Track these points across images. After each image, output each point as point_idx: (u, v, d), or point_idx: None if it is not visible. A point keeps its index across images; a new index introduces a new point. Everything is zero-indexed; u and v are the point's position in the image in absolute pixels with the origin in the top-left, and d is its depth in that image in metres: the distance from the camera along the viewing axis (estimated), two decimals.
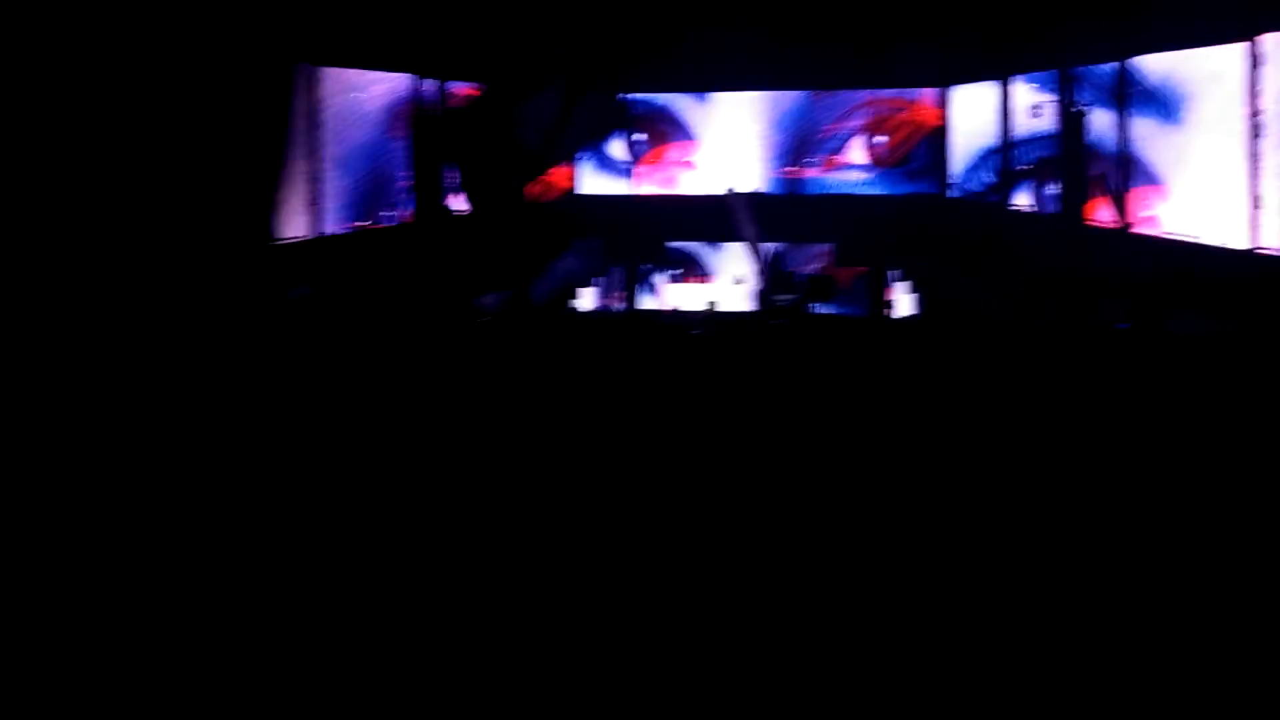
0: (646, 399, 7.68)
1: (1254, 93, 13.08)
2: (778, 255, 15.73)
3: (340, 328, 10.96)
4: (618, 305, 16.70)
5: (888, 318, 15.27)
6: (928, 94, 16.46)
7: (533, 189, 17.24)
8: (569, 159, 16.92)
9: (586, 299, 16.66)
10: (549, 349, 11.39)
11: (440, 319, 13.18)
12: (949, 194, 16.20)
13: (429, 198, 14.79)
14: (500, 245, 15.72)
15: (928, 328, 13.88)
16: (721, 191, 15.52)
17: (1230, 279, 12.50)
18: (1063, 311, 12.45)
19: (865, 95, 16.63)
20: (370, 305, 12.70)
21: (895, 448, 5.93)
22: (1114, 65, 14.22)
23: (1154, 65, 14.04)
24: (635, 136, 17.40)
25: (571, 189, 17.59)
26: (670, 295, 17.02)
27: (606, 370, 9.45)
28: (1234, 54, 13.23)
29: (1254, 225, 13.03)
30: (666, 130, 17.40)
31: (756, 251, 15.08)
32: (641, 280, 17.28)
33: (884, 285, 15.70)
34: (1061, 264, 13.61)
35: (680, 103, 17.32)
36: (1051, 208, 14.85)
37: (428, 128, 14.44)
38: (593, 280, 16.94)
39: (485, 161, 14.21)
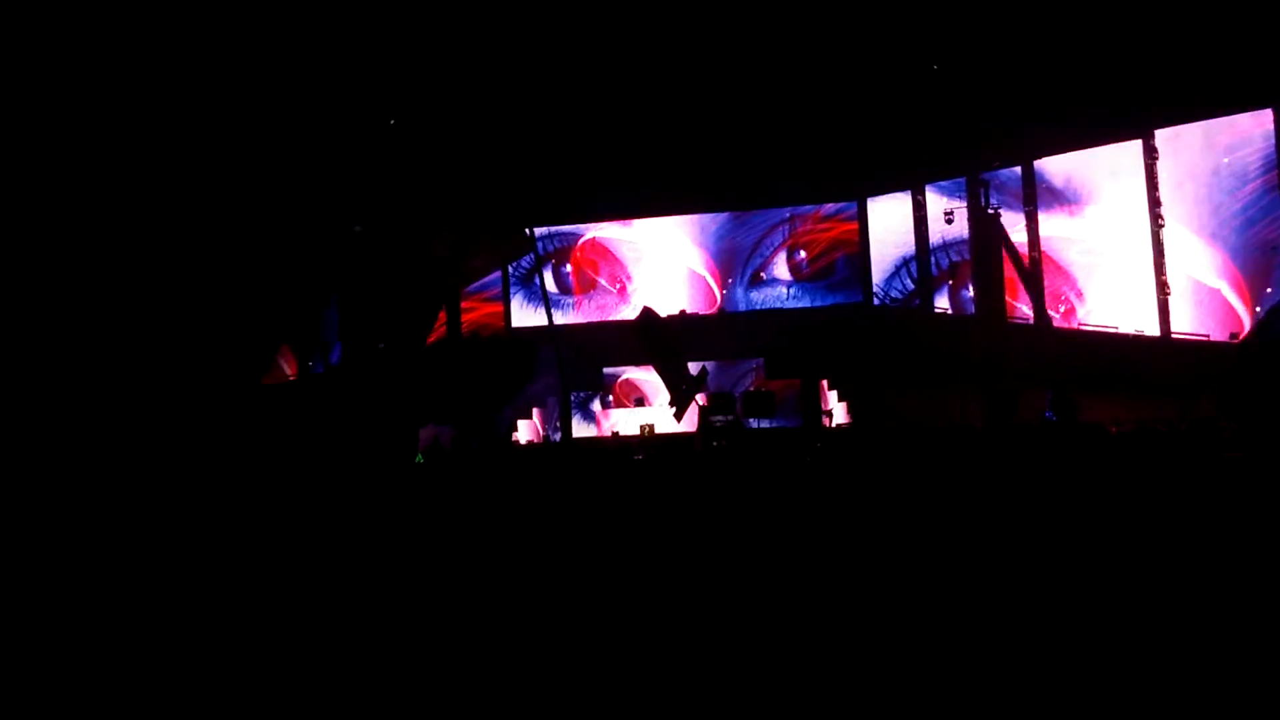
0: (593, 526, 7.54)
1: (1152, 185, 13.57)
2: (708, 374, 15.73)
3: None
4: (555, 434, 16.56)
5: (824, 428, 15.25)
6: (845, 208, 16.85)
7: (456, 326, 17.30)
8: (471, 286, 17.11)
9: (524, 430, 16.51)
10: (490, 482, 11.21)
11: (379, 457, 12.99)
12: (873, 303, 16.44)
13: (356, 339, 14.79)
14: (437, 382, 15.66)
15: (862, 435, 13.88)
16: (648, 313, 15.63)
17: (1147, 364, 12.70)
18: (991, 407, 12.52)
19: (786, 213, 16.99)
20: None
21: (837, 554, 5.85)
22: (1019, 169, 14.71)
23: (1057, 166, 14.54)
24: (564, 268, 17.57)
25: (503, 323, 17.64)
26: (608, 421, 16.92)
27: (549, 500, 9.28)
28: (1132, 150, 13.78)
29: (1163, 312, 13.34)
30: (596, 258, 17.59)
31: (685, 372, 15.09)
32: (579, 408, 17.19)
33: (817, 396, 15.73)
34: (985, 362, 13.75)
35: (608, 230, 17.56)
36: (970, 308, 15.11)
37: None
38: (532, 410, 16.83)
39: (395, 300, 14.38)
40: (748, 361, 16.86)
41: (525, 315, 17.69)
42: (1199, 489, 7.07)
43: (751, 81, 14.21)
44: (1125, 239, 13.66)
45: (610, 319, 17.53)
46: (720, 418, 14.69)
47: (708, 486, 9.81)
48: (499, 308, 17.96)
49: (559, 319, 17.42)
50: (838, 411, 15.38)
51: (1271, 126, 12.35)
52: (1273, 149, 12.36)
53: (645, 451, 12.78)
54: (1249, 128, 12.64)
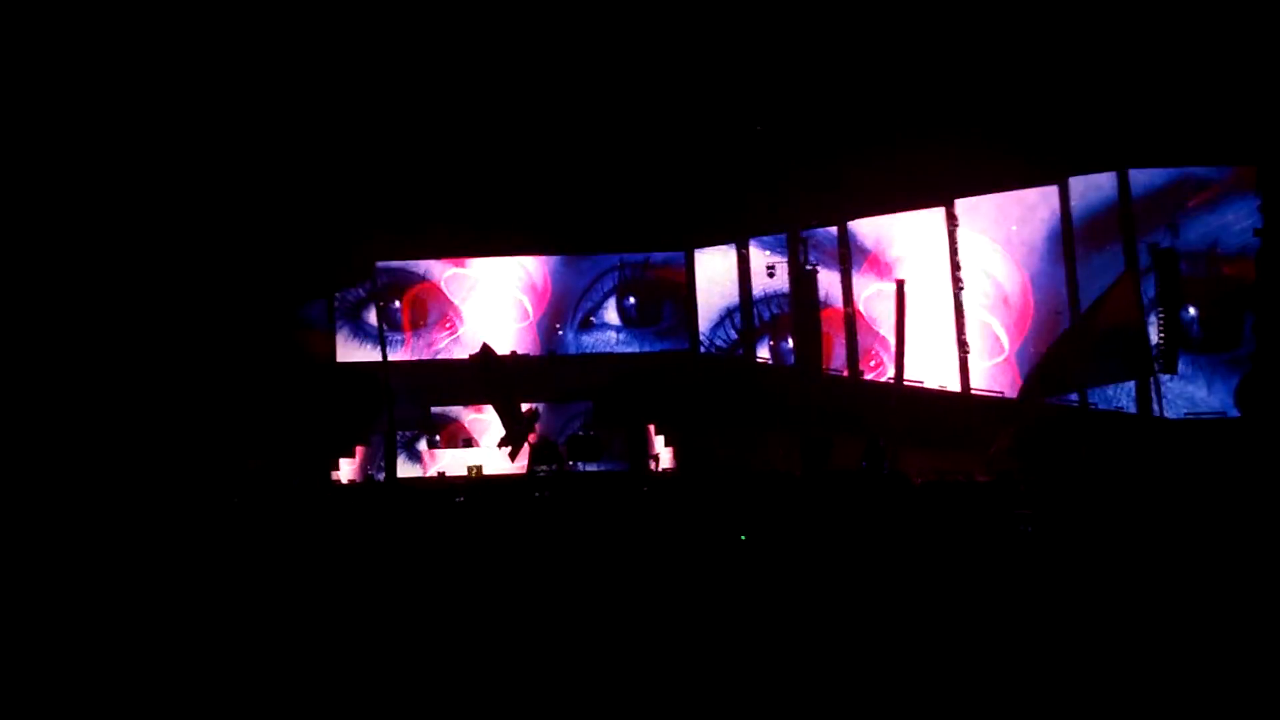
0: (410, 567, 7.54)
1: (953, 250, 14.68)
2: (537, 419, 15.82)
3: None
4: (378, 474, 16.30)
5: (650, 472, 15.63)
6: (674, 257, 17.43)
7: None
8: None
9: (346, 469, 16.20)
10: (308, 521, 10.97)
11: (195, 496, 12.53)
12: (698, 350, 17.04)
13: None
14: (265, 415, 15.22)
15: (688, 480, 14.32)
16: (486, 350, 15.69)
17: (950, 418, 13.69)
18: (806, 454, 13.17)
19: (616, 259, 17.40)
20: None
21: (658, 599, 6.09)
22: (834, 229, 15.63)
23: (868, 229, 15.53)
24: (394, 304, 17.40)
25: (331, 358, 17.25)
26: (434, 461, 16.79)
27: (366, 542, 9.19)
28: (935, 216, 14.88)
29: (963, 369, 14.44)
30: (425, 296, 17.50)
31: (519, 411, 15.17)
32: (404, 447, 16.98)
33: (644, 440, 16.13)
34: (802, 410, 14.47)
35: (437, 269, 17.52)
36: (789, 360, 15.88)
37: None
38: (354, 448, 16.52)
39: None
40: (575, 404, 17.11)
41: (350, 350, 17.38)
42: (989, 536, 7.75)
43: (588, 131, 14.62)
44: (929, 299, 14.71)
45: (440, 358, 17.46)
46: (544, 468, 14.68)
47: (528, 530, 9.97)
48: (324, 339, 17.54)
49: (389, 355, 17.25)
50: (664, 456, 15.81)
51: (1057, 202, 13.65)
52: (1058, 222, 13.66)
53: (468, 494, 12.75)
54: (1037, 202, 13.93)
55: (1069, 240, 13.53)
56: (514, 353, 16.96)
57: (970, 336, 14.22)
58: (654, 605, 5.76)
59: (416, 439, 17.10)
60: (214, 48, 11.66)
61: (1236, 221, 12.57)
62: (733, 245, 16.77)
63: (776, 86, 13.35)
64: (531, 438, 15.43)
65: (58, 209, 12.39)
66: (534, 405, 15.93)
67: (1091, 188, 13.46)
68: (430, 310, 17.67)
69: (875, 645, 4.88)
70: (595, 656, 4.81)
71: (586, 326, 17.43)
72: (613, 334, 17.40)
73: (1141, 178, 13.11)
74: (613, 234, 17.12)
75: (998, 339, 14.12)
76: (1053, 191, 13.70)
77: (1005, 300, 14.08)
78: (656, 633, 5.17)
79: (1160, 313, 11.30)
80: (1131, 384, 12.20)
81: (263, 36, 11.69)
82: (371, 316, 17.20)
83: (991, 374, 13.96)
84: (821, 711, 4.00)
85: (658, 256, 17.46)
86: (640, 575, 6.66)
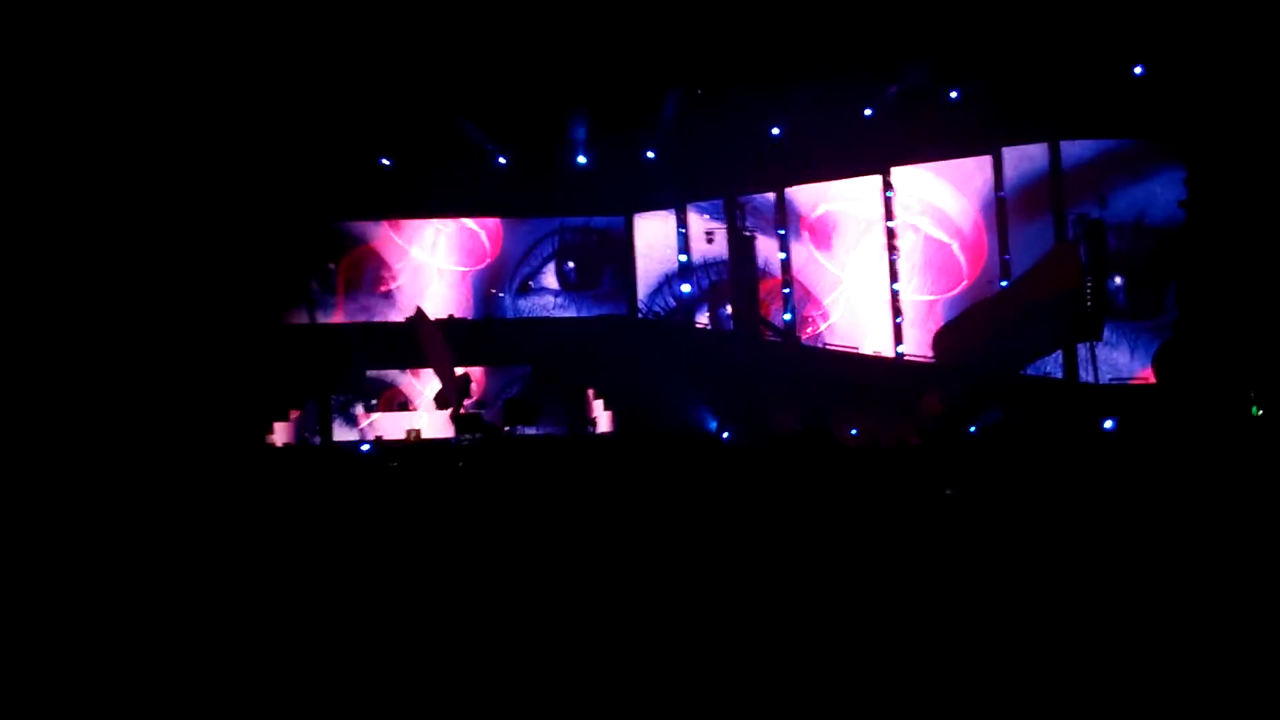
0: (339, 531, 7.50)
1: (889, 218, 14.88)
2: (469, 384, 15.65)
3: None
4: (313, 438, 16.12)
5: (588, 435, 15.67)
6: (614, 221, 17.39)
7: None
8: None
9: (281, 433, 15.99)
10: (243, 484, 10.85)
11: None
12: (637, 315, 17.07)
13: None
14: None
15: (624, 443, 14.39)
16: (420, 315, 15.52)
17: (883, 383, 13.94)
18: (742, 419, 13.32)
19: (557, 223, 17.31)
20: None
21: (583, 558, 6.14)
22: (772, 194, 15.73)
23: (806, 195, 15.66)
24: (329, 265, 17.13)
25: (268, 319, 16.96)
26: (371, 425, 16.65)
27: (300, 505, 9.12)
28: (872, 184, 15.05)
29: (896, 335, 14.69)
30: (362, 257, 17.26)
31: (449, 377, 15.06)
32: (340, 411, 16.81)
33: (582, 404, 16.15)
34: (739, 376, 14.61)
35: (375, 230, 17.27)
36: (728, 325, 15.99)
37: None
38: (288, 411, 16.30)
39: None
40: (514, 368, 17.05)
41: (288, 314, 17.11)
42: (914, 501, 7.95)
43: (529, 93, 14.45)
44: (866, 267, 14.91)
45: (376, 320, 17.24)
46: (467, 437, 14.33)
47: (463, 494, 9.97)
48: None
49: (322, 319, 17.02)
50: (602, 420, 15.85)
51: (990, 172, 13.89)
52: (990, 191, 13.91)
53: (404, 459, 12.63)
54: (972, 170, 14.15)
55: (1002, 210, 13.79)
56: (451, 316, 16.83)
57: (904, 303, 14.45)
58: (590, 577, 5.80)
59: (351, 403, 16.93)
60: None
61: (1162, 193, 12.93)
62: (672, 211, 16.78)
63: (715, 51, 13.31)
64: (467, 402, 15.34)
65: None
66: (466, 370, 15.83)
67: (1024, 158, 13.73)
68: (366, 272, 17.44)
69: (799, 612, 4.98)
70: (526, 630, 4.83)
71: (525, 290, 17.34)
72: (551, 298, 17.34)
73: (1072, 149, 13.40)
74: (553, 198, 17.02)
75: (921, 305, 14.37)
76: (987, 161, 13.94)
77: (934, 267, 14.36)
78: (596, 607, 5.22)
79: (1089, 281, 11.60)
80: (1058, 351, 12.53)
81: None
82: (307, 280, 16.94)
83: (920, 339, 14.16)
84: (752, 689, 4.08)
85: (598, 220, 17.40)
86: (578, 546, 6.69)
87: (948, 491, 7.74)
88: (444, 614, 5.02)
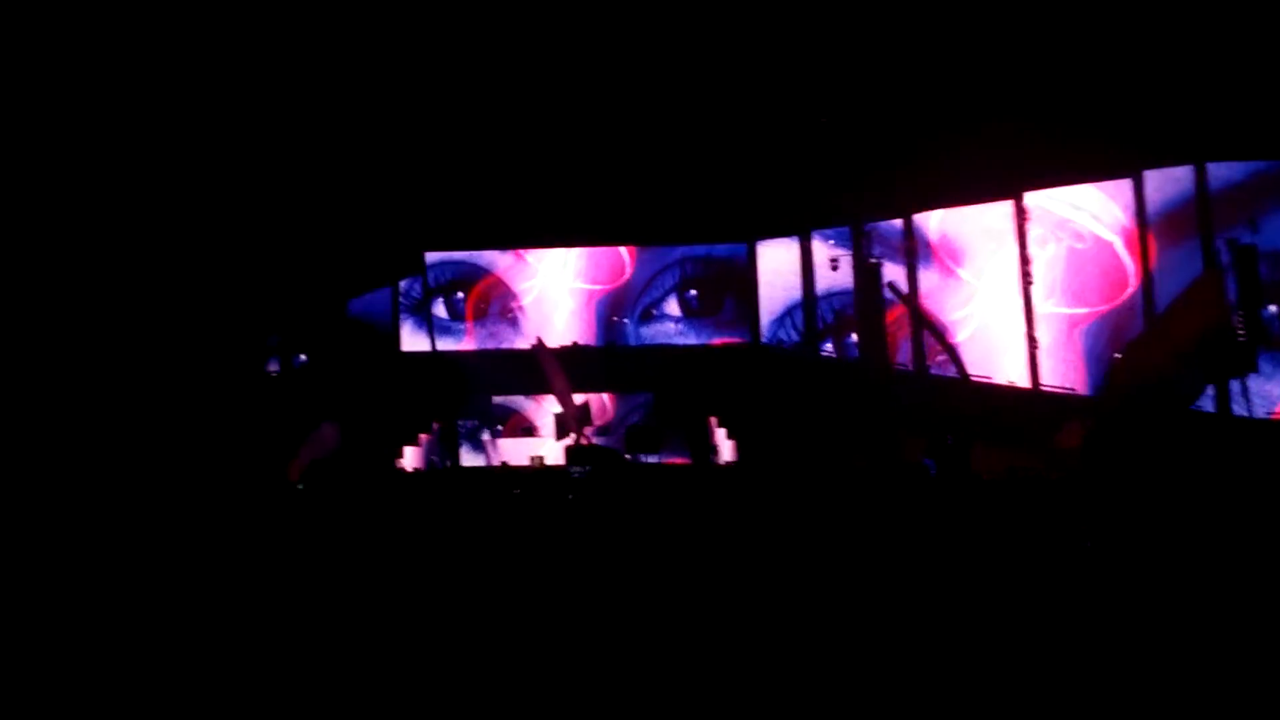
0: (471, 557, 7.60)
1: (1022, 244, 14.41)
2: (589, 413, 15.73)
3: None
4: (442, 462, 16.48)
5: (711, 464, 15.60)
6: (736, 249, 17.35)
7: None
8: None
9: (410, 457, 16.38)
10: (374, 507, 11.13)
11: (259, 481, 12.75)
12: (760, 343, 16.96)
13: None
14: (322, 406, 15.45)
15: (748, 472, 14.26)
16: (534, 345, 15.78)
17: (1019, 414, 13.47)
18: (871, 451, 13.04)
19: (679, 251, 17.37)
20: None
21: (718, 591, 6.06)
22: (899, 220, 15.43)
23: (935, 222, 15.32)
24: (457, 295, 17.56)
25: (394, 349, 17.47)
26: (496, 450, 16.93)
27: (429, 529, 9.30)
28: (1003, 210, 14.62)
29: (1033, 365, 14.18)
30: (490, 285, 17.64)
31: (572, 404, 15.21)
32: (467, 436, 17.15)
33: (705, 432, 16.10)
34: (866, 406, 14.33)
35: (501, 259, 17.64)
36: (853, 354, 15.73)
37: None
38: (418, 436, 16.70)
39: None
40: (636, 395, 17.12)
41: (416, 342, 17.58)
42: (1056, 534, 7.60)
43: (650, 121, 14.55)
44: (998, 294, 14.47)
45: (503, 347, 17.57)
46: (578, 469, 13.86)
47: (582, 523, 9.98)
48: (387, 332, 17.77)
49: (451, 346, 17.42)
50: (725, 448, 15.76)
51: (1131, 196, 13.33)
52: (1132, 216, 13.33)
53: (525, 485, 12.72)
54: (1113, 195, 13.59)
55: (1144, 235, 13.22)
56: (574, 343, 17.03)
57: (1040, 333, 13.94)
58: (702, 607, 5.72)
59: (479, 429, 17.25)
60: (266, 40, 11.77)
61: None
62: (796, 238, 16.64)
63: (840, 77, 13.17)
64: (587, 430, 15.46)
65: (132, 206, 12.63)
66: (587, 397, 15.95)
67: (1168, 180, 13.14)
68: (493, 300, 17.79)
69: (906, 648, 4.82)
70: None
71: (647, 318, 17.43)
72: (672, 325, 17.38)
73: (1220, 171, 12.76)
74: (675, 225, 17.09)
75: (1063, 335, 13.83)
76: (1126, 185, 13.39)
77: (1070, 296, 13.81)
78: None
79: (1239, 311, 10.99)
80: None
81: (311, 28, 11.75)
82: (437, 309, 17.40)
83: (1060, 371, 13.65)
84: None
85: (720, 250, 17.39)
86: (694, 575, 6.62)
87: (1086, 544, 7.34)
88: (549, 641, 5.03)
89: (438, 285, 17.47)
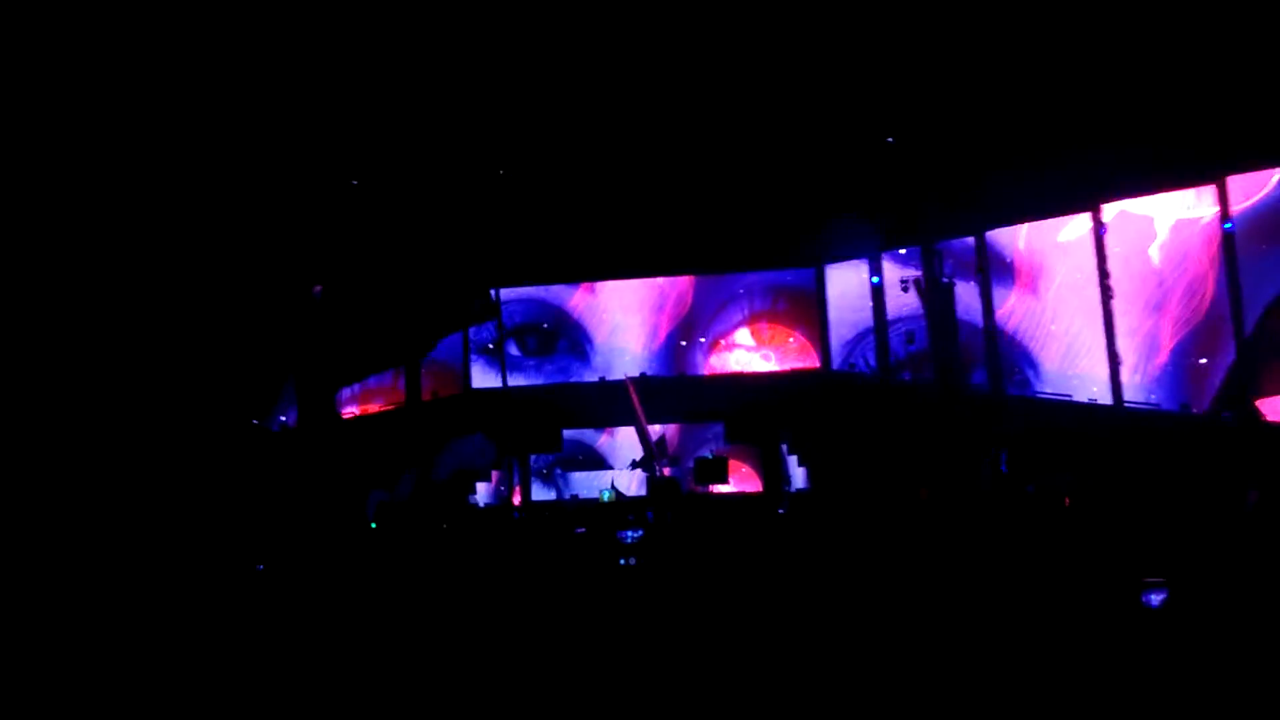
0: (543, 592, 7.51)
1: (1101, 258, 13.88)
2: (666, 441, 15.58)
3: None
4: (513, 496, 16.45)
5: (783, 492, 15.29)
6: (804, 274, 17.09)
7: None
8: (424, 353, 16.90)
9: (482, 492, 16.38)
10: (448, 544, 11.12)
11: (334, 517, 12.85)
12: (830, 369, 16.62)
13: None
14: (390, 445, 15.54)
15: (821, 500, 13.94)
16: (615, 377, 15.68)
17: (1100, 432, 12.90)
18: (946, 473, 12.63)
19: (748, 277, 17.17)
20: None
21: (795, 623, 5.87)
22: (971, 239, 15.01)
23: (1008, 237, 14.86)
24: (527, 335, 17.60)
25: (464, 388, 17.55)
26: (567, 484, 16.86)
27: (501, 562, 9.24)
28: (1080, 223, 14.12)
29: (1115, 382, 13.59)
30: (559, 321, 17.63)
31: (649, 438, 15.08)
32: (539, 471, 17.11)
33: (777, 461, 15.80)
34: (942, 429, 13.89)
35: (568, 293, 17.63)
36: (927, 375, 15.29)
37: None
38: (491, 472, 16.72)
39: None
40: (707, 425, 16.91)
41: (487, 379, 17.64)
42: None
43: (715, 147, 14.41)
44: (1077, 310, 13.96)
45: (572, 380, 17.53)
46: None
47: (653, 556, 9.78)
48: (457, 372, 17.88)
49: (521, 381, 17.44)
50: (796, 476, 15.44)
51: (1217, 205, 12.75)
52: (1215, 223, 12.73)
53: (590, 523, 12.52)
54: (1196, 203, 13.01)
55: (1230, 244, 12.62)
56: (643, 374, 16.91)
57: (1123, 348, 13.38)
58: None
59: (550, 463, 17.21)
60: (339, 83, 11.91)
61: None
62: (865, 259, 16.32)
63: (905, 94, 12.89)
64: (663, 461, 15.29)
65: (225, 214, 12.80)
66: (662, 430, 15.79)
67: (1254, 186, 12.54)
68: (562, 335, 17.78)
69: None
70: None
71: (716, 347, 17.24)
72: (742, 353, 17.16)
73: None
74: (743, 250, 16.90)
75: (1149, 351, 13.26)
76: (1209, 191, 12.81)
77: (1154, 309, 13.22)
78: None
79: None
80: None
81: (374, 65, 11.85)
82: (509, 346, 17.48)
83: (1144, 387, 13.08)
84: None
85: (787, 277, 17.15)
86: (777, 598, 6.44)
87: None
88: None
89: (509, 332, 17.57)
